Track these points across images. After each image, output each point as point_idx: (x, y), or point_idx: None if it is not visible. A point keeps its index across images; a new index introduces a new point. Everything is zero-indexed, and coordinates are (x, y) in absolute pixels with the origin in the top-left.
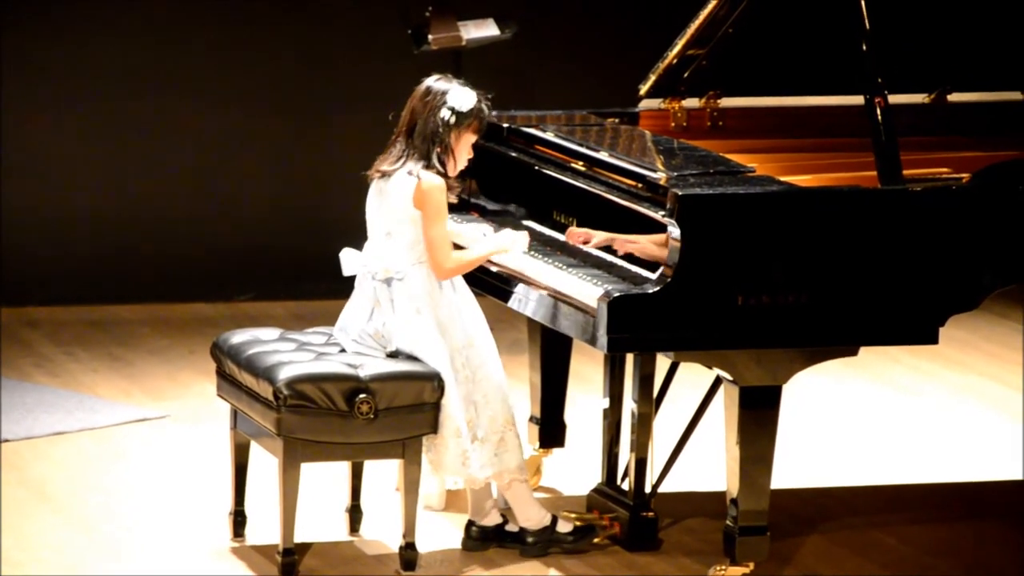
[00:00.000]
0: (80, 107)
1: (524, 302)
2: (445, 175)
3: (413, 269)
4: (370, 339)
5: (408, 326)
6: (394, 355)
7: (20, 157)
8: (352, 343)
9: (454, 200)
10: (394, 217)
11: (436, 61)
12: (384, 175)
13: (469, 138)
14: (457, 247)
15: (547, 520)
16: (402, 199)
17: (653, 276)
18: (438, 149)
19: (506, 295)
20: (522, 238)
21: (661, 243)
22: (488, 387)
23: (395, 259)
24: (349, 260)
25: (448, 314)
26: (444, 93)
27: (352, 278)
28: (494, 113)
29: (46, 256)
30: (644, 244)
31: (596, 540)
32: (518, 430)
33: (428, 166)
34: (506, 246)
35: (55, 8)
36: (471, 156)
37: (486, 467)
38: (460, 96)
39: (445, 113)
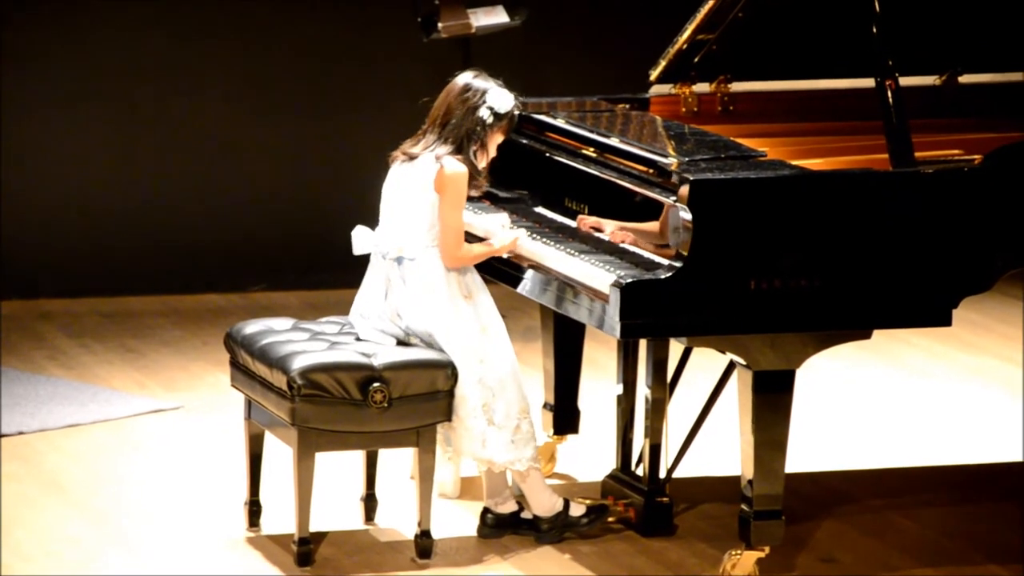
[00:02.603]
0: (93, 99)
1: (537, 289)
2: (475, 169)
3: (427, 251)
4: (387, 321)
5: (421, 306)
6: (405, 343)
7: (33, 150)
8: (370, 329)
9: (477, 194)
10: (414, 199)
11: (446, 49)
12: (410, 158)
13: (498, 137)
14: (470, 237)
15: (559, 506)
16: (424, 181)
17: (665, 261)
18: (474, 147)
19: (519, 282)
20: (519, 234)
21: (655, 232)
22: (502, 374)
23: (410, 240)
24: (361, 238)
25: (459, 298)
26: (484, 93)
27: (363, 265)
28: None
29: (59, 248)
30: (640, 239)
31: (610, 520)
32: (532, 418)
33: (457, 156)
34: (513, 241)
35: (60, 1)
36: (495, 155)
37: (503, 452)
38: (499, 97)
39: (484, 113)
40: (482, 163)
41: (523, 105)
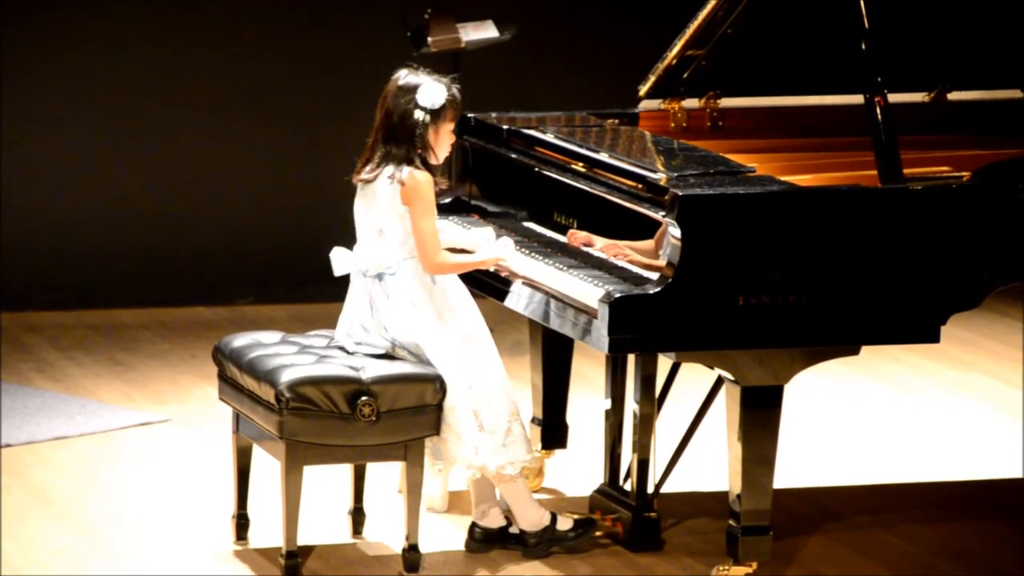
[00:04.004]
0: (80, 112)
1: (525, 303)
2: (432, 171)
3: (405, 263)
4: (375, 335)
5: (407, 319)
6: (391, 356)
7: (21, 162)
8: (354, 345)
9: (444, 186)
10: (383, 215)
11: (435, 63)
12: (367, 182)
13: (447, 127)
14: (455, 252)
15: (546, 520)
16: (389, 199)
17: (654, 277)
18: (419, 150)
19: (507, 296)
20: (505, 245)
21: (651, 250)
22: (490, 380)
23: (387, 255)
24: (340, 259)
25: (444, 307)
26: (413, 94)
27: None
28: (493, 115)
29: (47, 261)
30: (635, 255)
31: (598, 534)
32: (522, 420)
33: (410, 164)
34: (498, 256)
35: (56, 12)
36: (454, 140)
37: (496, 457)
38: (430, 94)
39: (419, 114)
40: (433, 160)
41: (460, 88)
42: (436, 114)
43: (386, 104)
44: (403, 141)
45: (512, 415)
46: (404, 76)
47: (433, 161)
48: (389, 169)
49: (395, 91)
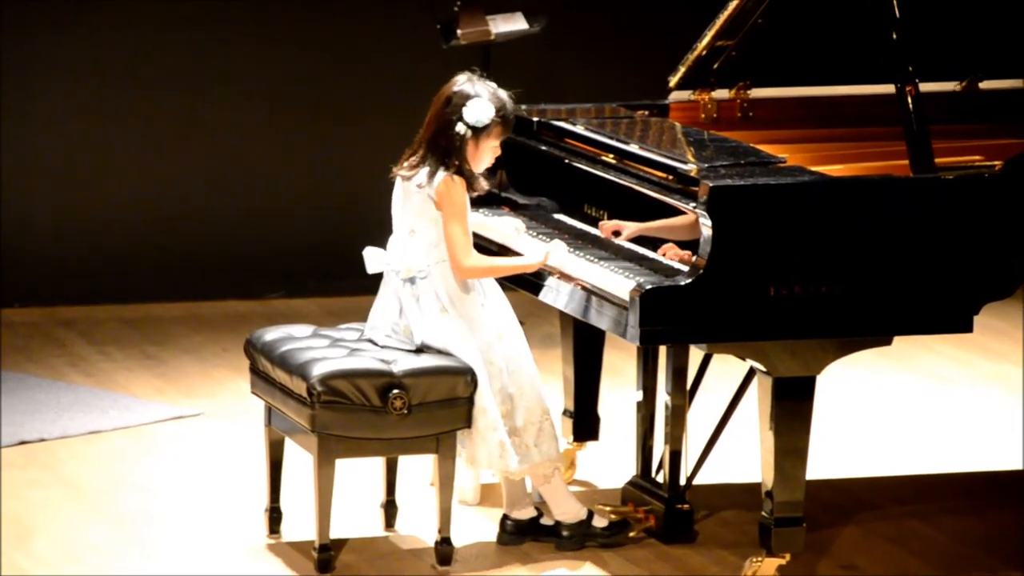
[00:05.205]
0: (114, 105)
1: (556, 295)
2: (468, 176)
3: (436, 267)
4: (401, 335)
5: (436, 325)
6: (420, 350)
7: (54, 156)
8: (384, 338)
9: (481, 191)
10: (416, 218)
11: (465, 55)
12: (405, 179)
13: (489, 143)
14: (483, 241)
15: (583, 514)
16: (421, 203)
17: (685, 268)
18: (456, 162)
19: (538, 289)
20: (557, 248)
21: (691, 223)
22: (521, 379)
23: (418, 258)
24: (373, 258)
25: (474, 310)
26: (462, 107)
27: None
28: (523, 107)
29: (79, 255)
30: (670, 227)
31: (632, 534)
32: (553, 419)
33: (446, 169)
34: (541, 260)
35: (81, 7)
36: (498, 154)
37: (524, 459)
38: (477, 110)
39: (461, 128)
40: (477, 168)
41: (516, 106)
42: (479, 131)
43: (436, 108)
44: (441, 148)
45: (543, 414)
46: (461, 83)
47: (476, 167)
48: (423, 175)
49: (444, 101)
